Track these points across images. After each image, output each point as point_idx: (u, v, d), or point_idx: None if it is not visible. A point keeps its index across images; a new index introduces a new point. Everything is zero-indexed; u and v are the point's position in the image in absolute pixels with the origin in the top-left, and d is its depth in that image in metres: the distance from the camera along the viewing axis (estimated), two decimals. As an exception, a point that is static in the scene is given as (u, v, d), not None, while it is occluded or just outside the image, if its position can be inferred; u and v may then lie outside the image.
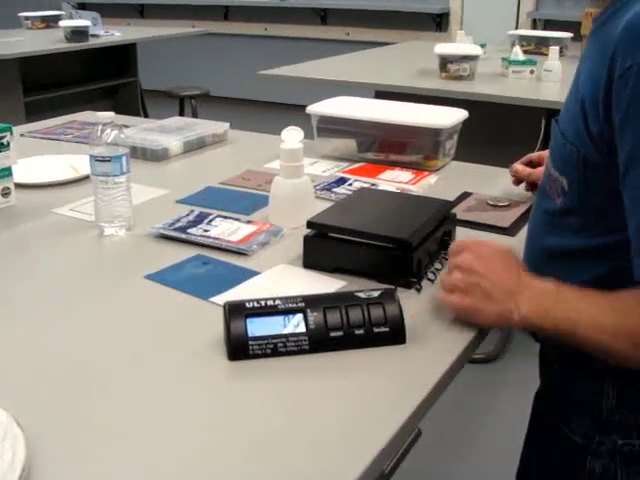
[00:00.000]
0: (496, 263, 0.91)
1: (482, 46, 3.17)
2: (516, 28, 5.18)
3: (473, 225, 1.28)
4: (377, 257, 1.05)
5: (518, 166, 1.39)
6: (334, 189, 1.46)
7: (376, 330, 0.89)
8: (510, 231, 1.26)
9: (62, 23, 4.40)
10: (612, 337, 0.81)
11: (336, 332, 0.88)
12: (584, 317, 0.83)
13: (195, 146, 1.80)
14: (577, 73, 0.93)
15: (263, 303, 0.89)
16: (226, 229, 1.24)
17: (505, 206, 1.37)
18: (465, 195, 1.44)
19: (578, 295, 0.85)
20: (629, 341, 0.80)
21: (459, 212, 1.28)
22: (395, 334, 0.89)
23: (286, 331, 0.87)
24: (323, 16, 6.38)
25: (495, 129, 2.76)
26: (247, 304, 0.89)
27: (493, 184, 1.51)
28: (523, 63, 2.98)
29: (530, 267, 1.00)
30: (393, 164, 1.62)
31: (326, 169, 1.62)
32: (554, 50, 2.89)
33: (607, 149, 0.82)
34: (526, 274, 0.91)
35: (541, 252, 0.99)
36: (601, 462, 0.90)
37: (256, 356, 0.86)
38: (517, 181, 1.41)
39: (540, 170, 1.32)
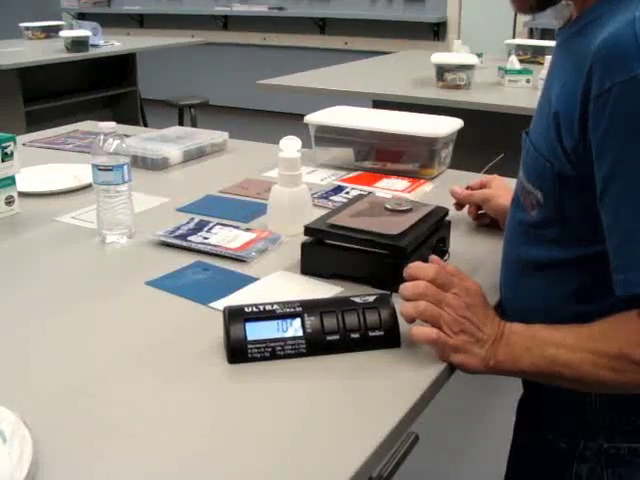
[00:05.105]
0: (479, 304, 0.87)
1: (479, 55, 3.19)
2: (513, 37, 5.22)
3: (354, 232, 1.08)
4: (373, 263, 1.08)
5: (456, 188, 1.31)
6: (331, 197, 1.48)
7: (371, 334, 0.91)
8: (398, 239, 1.06)
9: (62, 33, 4.44)
10: (593, 366, 0.79)
11: (332, 336, 0.90)
12: (560, 352, 0.80)
13: (195, 155, 1.82)
14: (546, 85, 0.91)
15: (262, 308, 0.91)
16: (225, 236, 1.26)
17: (404, 211, 1.16)
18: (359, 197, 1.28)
19: (550, 331, 0.83)
20: (608, 367, 0.78)
21: (344, 218, 1.14)
22: (390, 338, 0.92)
23: (284, 335, 0.89)
24: (322, 25, 6.42)
25: (491, 138, 2.78)
26: (246, 309, 0.91)
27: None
28: (519, 72, 3.01)
29: (508, 277, 1.00)
30: (389, 173, 1.65)
31: (324, 178, 1.65)
32: (549, 59, 2.90)
33: (582, 164, 0.81)
34: (498, 319, 0.87)
35: (520, 263, 0.97)
36: (587, 465, 0.90)
37: (255, 359, 0.88)
38: (459, 205, 1.33)
39: (482, 193, 1.27)
